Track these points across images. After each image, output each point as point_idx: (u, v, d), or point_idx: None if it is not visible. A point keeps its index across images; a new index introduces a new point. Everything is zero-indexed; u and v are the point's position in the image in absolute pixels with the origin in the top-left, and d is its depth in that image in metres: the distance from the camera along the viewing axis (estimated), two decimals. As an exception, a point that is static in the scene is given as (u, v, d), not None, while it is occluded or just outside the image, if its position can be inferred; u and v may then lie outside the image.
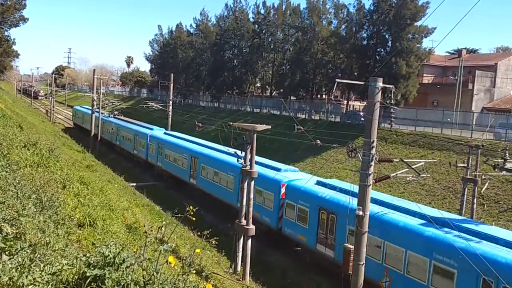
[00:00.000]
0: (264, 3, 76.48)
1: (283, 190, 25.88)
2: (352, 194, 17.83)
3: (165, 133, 46.78)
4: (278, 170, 27.95)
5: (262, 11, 76.56)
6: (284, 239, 25.63)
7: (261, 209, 26.84)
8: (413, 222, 18.58)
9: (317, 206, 23.19)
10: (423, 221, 18.23)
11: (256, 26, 76.55)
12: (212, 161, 34.38)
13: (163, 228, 5.03)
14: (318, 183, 25.23)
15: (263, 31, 75.74)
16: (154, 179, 43.51)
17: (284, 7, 74.82)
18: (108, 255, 4.02)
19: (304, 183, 24.30)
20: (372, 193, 16.55)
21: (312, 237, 23.33)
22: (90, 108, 64.15)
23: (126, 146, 54.17)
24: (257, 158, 22.64)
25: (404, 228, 18.56)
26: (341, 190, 22.69)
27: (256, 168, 21.27)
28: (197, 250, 4.47)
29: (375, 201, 19.52)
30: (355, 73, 53.28)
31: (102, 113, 54.08)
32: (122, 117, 60.48)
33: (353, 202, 16.85)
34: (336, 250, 21.60)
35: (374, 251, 19.00)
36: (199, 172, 35.81)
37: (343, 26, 60.10)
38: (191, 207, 5.57)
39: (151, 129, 49.31)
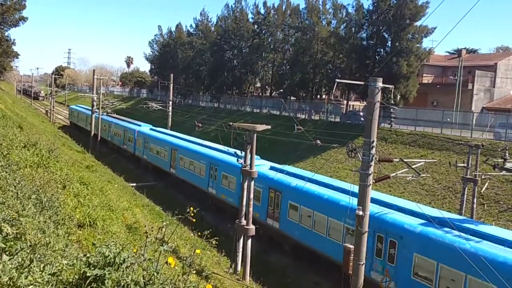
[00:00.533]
0: (264, 3, 76.63)
1: None
2: (294, 175, 26.06)
3: (151, 129, 50.44)
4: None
5: (262, 11, 76.66)
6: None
7: (227, 192, 31.96)
8: (334, 195, 22.89)
9: (267, 186, 27.10)
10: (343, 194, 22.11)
11: (256, 26, 76.57)
12: (188, 152, 38.54)
13: (163, 229, 5.03)
14: (271, 168, 29.20)
15: (263, 31, 75.77)
16: (144, 173, 43.60)
17: (284, 7, 74.85)
18: (108, 255, 4.02)
19: (260, 168, 26.59)
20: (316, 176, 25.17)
21: (264, 212, 27.29)
22: (85, 107, 76.04)
23: (116, 141, 57.66)
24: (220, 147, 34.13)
25: (326, 200, 22.88)
26: (288, 173, 26.91)
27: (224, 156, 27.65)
28: (197, 251, 4.48)
29: (317, 182, 24.77)
30: (355, 74, 53.27)
31: (96, 111, 54.54)
32: (114, 115, 65.00)
33: (296, 182, 25.01)
34: (280, 222, 25.88)
35: (306, 219, 23.96)
36: (177, 162, 39.88)
37: (342, 26, 60.13)
38: (191, 208, 5.58)
39: (139, 125, 52.95)
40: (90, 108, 57.41)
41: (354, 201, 15.92)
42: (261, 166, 28.19)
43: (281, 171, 27.44)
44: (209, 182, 34.63)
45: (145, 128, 51.16)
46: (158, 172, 44.48)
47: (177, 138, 43.39)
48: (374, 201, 18.85)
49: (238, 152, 21.49)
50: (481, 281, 14.72)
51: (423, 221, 17.97)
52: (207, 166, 35.03)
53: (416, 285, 17.23)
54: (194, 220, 5.53)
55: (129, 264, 4.03)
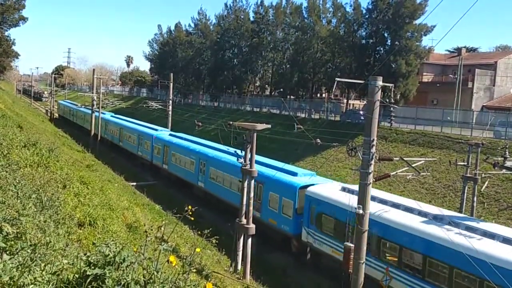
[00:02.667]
0: (261, 2, 76.47)
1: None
2: (275, 168, 27.97)
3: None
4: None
5: (262, 10, 76.55)
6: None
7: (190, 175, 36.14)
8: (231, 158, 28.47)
9: (201, 161, 32.29)
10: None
11: (256, 25, 76.51)
12: (179, 148, 39.10)
13: (163, 228, 5.03)
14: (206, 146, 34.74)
15: (263, 30, 75.72)
16: (153, 178, 43.56)
17: (284, 5, 74.74)
18: (109, 254, 4.03)
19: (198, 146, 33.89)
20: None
21: (195, 178, 32.45)
22: (70, 102, 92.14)
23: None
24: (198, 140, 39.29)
25: (227, 163, 30.49)
26: (268, 166, 28.92)
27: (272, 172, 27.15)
28: (197, 249, 4.48)
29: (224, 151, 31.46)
30: (355, 72, 53.27)
31: (78, 105, 55.82)
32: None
33: (277, 174, 26.84)
34: (261, 212, 27.23)
35: (219, 179, 31.64)
36: (170, 158, 40.75)
37: (342, 25, 60.13)
38: (189, 207, 5.59)
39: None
40: (75, 103, 71.05)
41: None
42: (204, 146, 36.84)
43: (262, 163, 30.18)
44: (198, 177, 34.68)
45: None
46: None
47: (205, 146, 37.61)
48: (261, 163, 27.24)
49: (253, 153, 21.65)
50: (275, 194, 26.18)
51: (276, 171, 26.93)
52: (196, 162, 34.70)
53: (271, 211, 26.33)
54: (192, 218, 5.53)
55: (129, 263, 4.04)
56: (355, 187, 19.55)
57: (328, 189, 23.97)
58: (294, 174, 26.92)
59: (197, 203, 32.73)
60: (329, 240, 22.49)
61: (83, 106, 72.97)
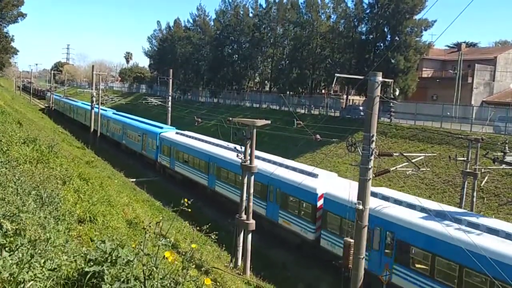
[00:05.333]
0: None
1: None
2: (185, 135, 40.81)
3: (113, 113, 61.12)
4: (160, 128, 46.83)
5: (263, 5, 76.38)
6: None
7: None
8: (198, 145, 37.97)
9: (172, 146, 41.87)
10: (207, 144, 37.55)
11: (257, 20, 76.30)
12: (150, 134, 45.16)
13: (161, 224, 5.03)
14: (176, 133, 43.54)
15: (263, 26, 75.54)
16: (154, 174, 43.58)
17: (285, 0, 74.49)
18: (106, 250, 4.03)
19: (168, 133, 43.81)
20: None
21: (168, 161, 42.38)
22: (59, 95, 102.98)
23: (80, 119, 71.10)
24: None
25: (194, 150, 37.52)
26: (183, 134, 40.98)
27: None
28: (193, 245, 4.48)
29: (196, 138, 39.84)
30: (355, 68, 53.19)
31: (96, 107, 55.18)
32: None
33: (185, 140, 39.95)
34: (171, 164, 39.36)
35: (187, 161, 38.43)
36: (147, 144, 46.26)
37: (342, 21, 60.00)
38: (185, 200, 5.59)
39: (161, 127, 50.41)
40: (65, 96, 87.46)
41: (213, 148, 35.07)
42: (170, 131, 44.88)
43: (182, 134, 41.56)
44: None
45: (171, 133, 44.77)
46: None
47: (148, 124, 47.37)
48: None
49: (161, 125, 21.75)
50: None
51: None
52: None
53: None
54: (189, 210, 5.53)
55: (127, 260, 4.04)
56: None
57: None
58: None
59: (198, 200, 32.97)
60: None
61: (68, 98, 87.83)
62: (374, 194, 20.34)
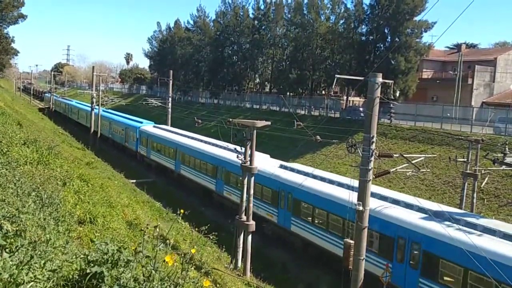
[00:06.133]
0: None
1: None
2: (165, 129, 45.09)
3: (104, 110, 63.00)
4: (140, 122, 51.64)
5: (262, 7, 76.36)
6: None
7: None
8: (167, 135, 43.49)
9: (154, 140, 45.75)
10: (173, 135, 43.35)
11: (256, 21, 76.32)
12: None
13: (158, 229, 5.02)
14: (154, 126, 47.83)
15: (263, 27, 75.55)
16: (153, 174, 43.60)
17: (284, 1, 74.57)
18: (107, 252, 4.03)
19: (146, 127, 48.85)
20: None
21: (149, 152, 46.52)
22: (56, 95, 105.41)
23: (73, 116, 77.28)
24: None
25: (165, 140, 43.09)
26: (162, 129, 45.93)
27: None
28: (192, 250, 4.47)
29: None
30: (355, 69, 53.22)
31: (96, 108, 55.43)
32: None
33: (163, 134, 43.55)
34: (147, 153, 42.74)
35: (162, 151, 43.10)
36: (129, 137, 50.69)
37: (341, 22, 60.03)
38: (182, 211, 5.65)
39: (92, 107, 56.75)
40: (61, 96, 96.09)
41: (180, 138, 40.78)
42: (148, 125, 50.30)
43: (158, 128, 47.03)
44: (136, 145, 49.55)
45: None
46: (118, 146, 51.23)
47: (130, 119, 54.41)
48: None
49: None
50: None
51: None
52: (136, 135, 48.69)
53: None
54: (183, 222, 5.57)
55: (127, 261, 4.04)
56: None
57: None
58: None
59: (200, 204, 32.97)
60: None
61: (60, 97, 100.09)
62: (396, 202, 19.72)
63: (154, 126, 49.64)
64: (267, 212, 27.06)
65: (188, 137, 41.43)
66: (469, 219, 17.45)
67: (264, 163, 27.92)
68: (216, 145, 35.78)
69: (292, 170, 27.44)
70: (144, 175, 42.98)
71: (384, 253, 19.09)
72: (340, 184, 23.49)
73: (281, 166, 28.76)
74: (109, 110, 69.99)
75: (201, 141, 39.05)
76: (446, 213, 17.77)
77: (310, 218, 23.85)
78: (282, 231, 26.12)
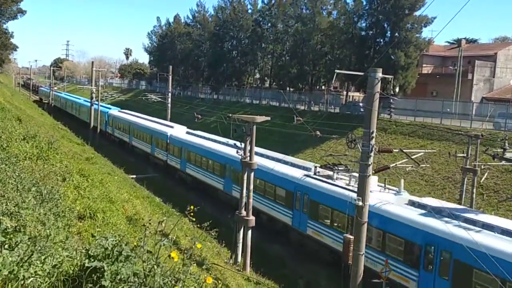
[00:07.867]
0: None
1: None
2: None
3: (84, 100, 67.77)
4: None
5: (264, 1, 76.04)
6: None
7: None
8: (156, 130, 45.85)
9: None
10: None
11: (258, 15, 76.02)
12: (139, 127, 49.20)
13: (163, 224, 5.02)
14: (187, 133, 42.50)
15: (263, 22, 75.31)
16: (154, 170, 43.60)
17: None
18: (107, 247, 4.03)
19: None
20: None
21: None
22: (48, 87, 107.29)
23: (69, 110, 78.98)
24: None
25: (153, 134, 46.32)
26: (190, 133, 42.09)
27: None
28: (198, 245, 4.47)
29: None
30: (354, 64, 53.16)
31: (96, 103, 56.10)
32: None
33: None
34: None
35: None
36: (131, 134, 52.13)
37: (342, 17, 59.87)
38: (192, 207, 5.61)
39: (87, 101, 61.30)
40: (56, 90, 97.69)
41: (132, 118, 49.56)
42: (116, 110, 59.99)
43: (122, 111, 52.90)
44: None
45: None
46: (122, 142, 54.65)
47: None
48: None
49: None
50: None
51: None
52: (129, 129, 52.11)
53: None
54: (194, 219, 5.53)
55: (127, 256, 4.03)
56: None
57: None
58: None
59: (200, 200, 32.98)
60: None
61: (59, 92, 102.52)
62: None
63: (119, 111, 58.05)
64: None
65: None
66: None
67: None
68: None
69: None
70: (145, 170, 43.00)
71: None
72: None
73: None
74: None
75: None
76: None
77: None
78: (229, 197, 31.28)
